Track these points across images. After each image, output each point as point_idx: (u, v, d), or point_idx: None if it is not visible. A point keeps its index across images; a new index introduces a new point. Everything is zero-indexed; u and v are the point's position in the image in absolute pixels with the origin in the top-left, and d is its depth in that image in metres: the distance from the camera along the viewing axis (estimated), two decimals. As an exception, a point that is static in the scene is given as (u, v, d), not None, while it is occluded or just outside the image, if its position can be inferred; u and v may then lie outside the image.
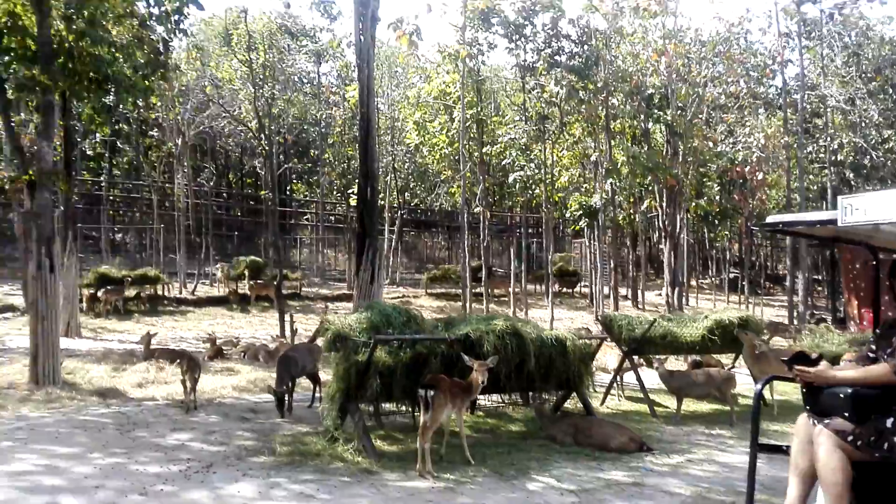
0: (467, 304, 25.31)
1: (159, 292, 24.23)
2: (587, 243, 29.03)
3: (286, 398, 9.74)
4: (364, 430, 7.86)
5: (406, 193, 39.61)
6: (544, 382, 9.29)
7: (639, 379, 11.19)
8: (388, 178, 35.29)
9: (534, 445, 8.64)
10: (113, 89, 12.96)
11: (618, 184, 23.91)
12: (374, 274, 15.91)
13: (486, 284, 25.70)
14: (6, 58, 11.42)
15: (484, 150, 22.91)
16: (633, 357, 11.45)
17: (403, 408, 9.31)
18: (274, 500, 6.23)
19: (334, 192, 40.48)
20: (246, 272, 25.46)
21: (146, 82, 13.98)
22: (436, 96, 24.08)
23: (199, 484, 6.53)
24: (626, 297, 27.73)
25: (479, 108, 23.66)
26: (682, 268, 22.15)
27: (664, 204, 22.37)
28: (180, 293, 25.40)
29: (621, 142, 22.81)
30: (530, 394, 9.98)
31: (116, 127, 35.57)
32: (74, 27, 11.90)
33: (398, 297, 27.62)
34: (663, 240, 22.11)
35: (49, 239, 11.42)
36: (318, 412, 9.61)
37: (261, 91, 25.16)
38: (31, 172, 11.27)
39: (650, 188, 24.44)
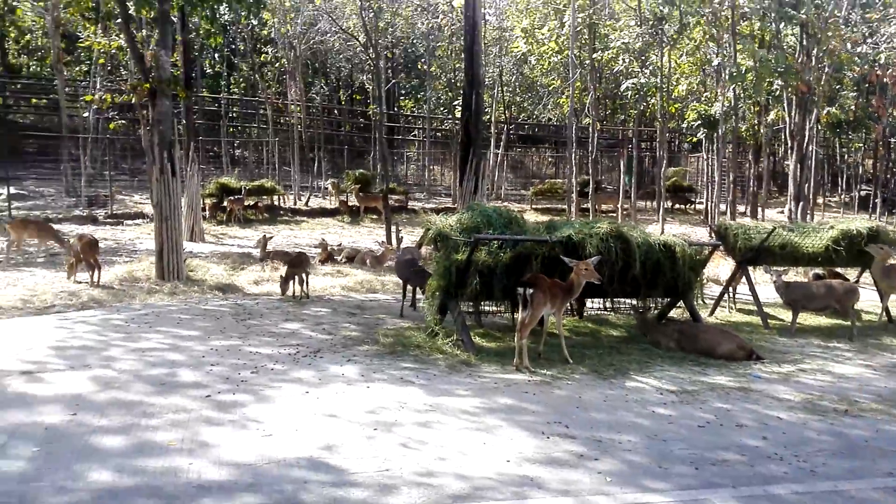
0: (572, 219, 24.85)
1: (275, 203, 25.29)
2: (705, 157, 27.50)
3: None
4: (463, 325, 7.99)
5: (513, 107, 38.76)
6: (650, 289, 9.06)
7: (752, 289, 10.65)
8: (495, 90, 34.59)
9: (635, 349, 8.50)
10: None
11: (742, 91, 22.26)
12: (478, 184, 15.85)
13: (593, 199, 25.04)
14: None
15: (594, 56, 21.75)
16: (748, 267, 10.88)
17: (503, 308, 9.38)
18: (374, 381, 6.50)
19: (441, 108, 40.26)
20: (354, 185, 26.00)
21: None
22: (545, 0, 22.99)
23: (307, 365, 6.91)
24: (744, 214, 26.31)
25: (590, 11, 22.42)
26: (809, 182, 20.57)
27: (793, 112, 20.65)
28: (294, 204, 26.43)
29: (748, 45, 21.01)
30: (636, 301, 9.78)
31: (233, 46, 36.73)
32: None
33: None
34: (789, 152, 20.52)
35: (170, 144, 12.05)
36: (420, 311, 9.88)
37: (368, 3, 25.00)
38: (151, 81, 11.81)
39: (778, 96, 22.60)
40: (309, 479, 4.42)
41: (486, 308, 9.34)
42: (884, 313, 10.79)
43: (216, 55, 39.54)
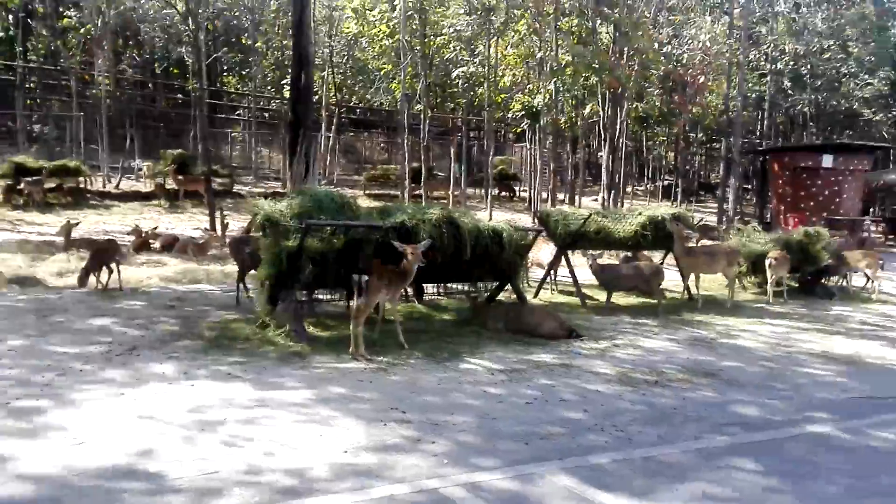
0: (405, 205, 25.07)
1: (81, 185, 23.02)
2: (528, 147, 28.86)
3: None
4: (296, 314, 7.75)
5: (344, 91, 38.22)
6: (480, 273, 9.32)
7: (572, 272, 11.35)
8: (325, 72, 33.90)
9: (466, 332, 8.73)
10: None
11: (562, 85, 23.60)
12: (309, 167, 15.30)
13: (425, 186, 25.41)
14: None
15: (426, 41, 21.97)
16: (567, 252, 11.56)
17: (336, 296, 9.22)
18: (198, 378, 6.12)
19: (268, 87, 38.72)
20: (172, 167, 24.28)
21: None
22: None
23: (121, 364, 6.35)
24: (563, 202, 27.98)
25: (420, -3, 22.60)
26: (620, 173, 22.31)
27: (606, 107, 22.25)
28: (104, 187, 24.19)
29: (566, 41, 22.29)
30: (468, 285, 10.04)
31: (30, 7, 32.77)
32: None
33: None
34: (603, 144, 22.11)
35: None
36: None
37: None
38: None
39: (593, 91, 24.21)
40: (125, 488, 4.04)
41: (320, 296, 9.14)
42: (685, 291, 11.96)
43: (10, 17, 35.09)
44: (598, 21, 22.44)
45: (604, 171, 21.45)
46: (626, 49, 21.19)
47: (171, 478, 4.20)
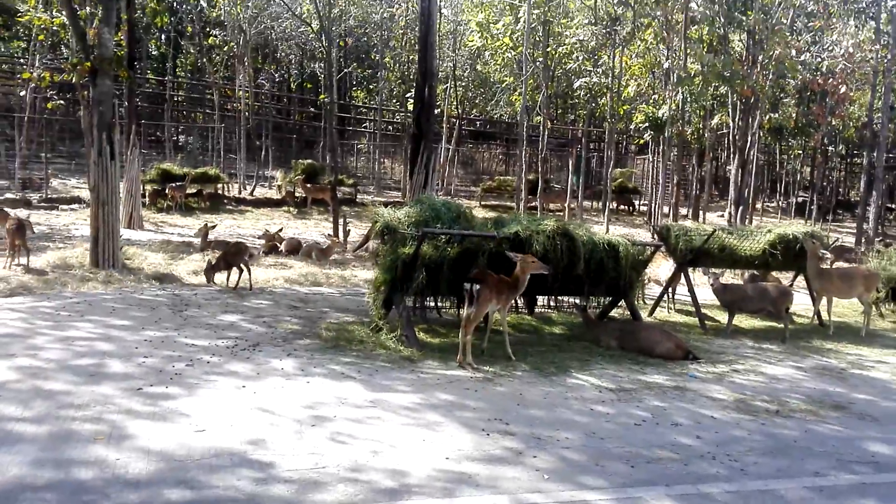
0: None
1: (219, 191, 24.69)
2: (650, 159, 28.03)
3: None
4: (408, 320, 7.92)
5: (465, 103, 38.78)
6: (594, 287, 9.15)
7: (691, 290, 10.89)
8: (448, 85, 34.54)
9: (576, 347, 8.59)
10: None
11: (689, 95, 22.77)
12: (428, 178, 15.77)
13: (542, 198, 25.26)
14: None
15: (548, 51, 21.85)
16: (687, 269, 11.11)
17: (448, 304, 9.35)
18: (314, 376, 6.38)
19: (393, 101, 39.96)
20: (301, 176, 25.56)
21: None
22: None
23: (245, 359, 6.74)
24: (686, 217, 26.94)
25: (545, 8, 22.53)
26: (749, 187, 21.17)
27: (737, 117, 21.22)
28: (239, 193, 25.86)
29: (696, 49, 21.47)
30: (579, 299, 9.88)
31: (180, 27, 35.66)
32: None
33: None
34: (732, 156, 21.07)
35: (109, 126, 11.61)
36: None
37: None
38: (92, 59, 11.33)
39: (723, 101, 23.17)
40: (237, 473, 4.30)
41: (431, 304, 9.30)
42: (815, 316, 11.16)
43: (162, 36, 38.35)
44: (731, 28, 21.47)
45: (732, 185, 20.44)
46: (760, 57, 20.13)
47: (280, 468, 4.42)
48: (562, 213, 26.38)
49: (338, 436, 5.04)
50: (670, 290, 11.68)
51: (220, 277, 10.80)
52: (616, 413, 6.18)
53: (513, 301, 8.03)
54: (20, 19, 20.71)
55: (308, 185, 25.40)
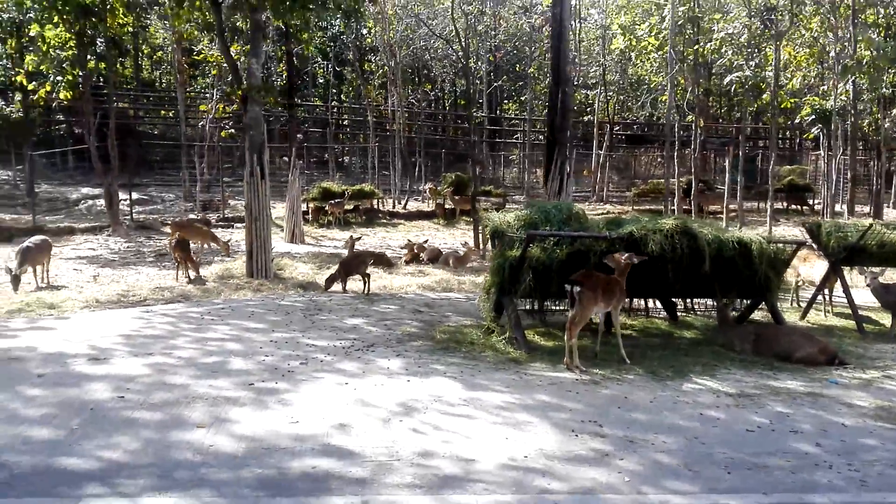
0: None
1: (375, 206, 26.00)
2: (822, 154, 25.65)
3: None
4: (517, 322, 7.89)
5: (617, 107, 37.85)
6: (725, 288, 8.60)
7: (846, 291, 9.85)
8: (598, 90, 33.92)
9: (706, 352, 8.08)
10: (312, 7, 13.65)
11: (862, 83, 20.62)
12: (563, 183, 15.56)
13: (698, 200, 23.99)
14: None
15: (696, 48, 20.76)
16: (842, 268, 10.07)
17: (567, 307, 9.18)
18: (416, 375, 6.56)
19: (543, 111, 39.92)
20: (450, 188, 26.26)
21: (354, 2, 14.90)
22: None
23: (356, 358, 7.08)
24: (867, 215, 24.33)
25: (692, 4, 21.46)
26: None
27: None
28: (393, 207, 27.05)
29: (865, 34, 19.40)
30: (714, 302, 9.34)
31: (342, 55, 38.15)
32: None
33: (602, 213, 26.94)
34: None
35: (260, 147, 12.68)
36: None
37: (467, 8, 25.25)
38: (242, 88, 12.50)
39: (903, 87, 20.76)
40: (319, 457, 4.56)
41: (552, 307, 9.20)
42: None
43: (328, 65, 41.16)
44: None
45: (916, 178, 18.16)
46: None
47: (358, 454, 4.64)
48: (722, 216, 24.88)
49: (420, 428, 5.17)
50: (826, 291, 10.65)
51: (345, 285, 11.44)
52: (728, 418, 5.78)
53: (623, 302, 7.73)
54: (197, 58, 23.25)
55: (456, 197, 26.06)
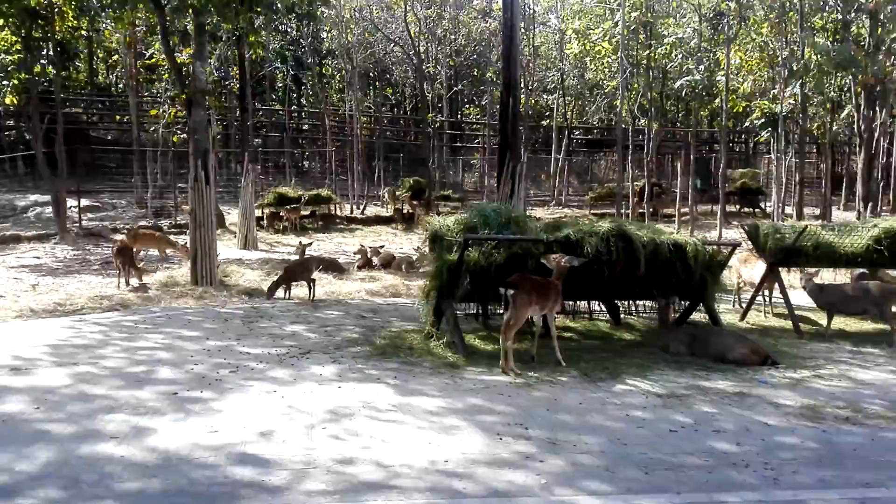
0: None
1: (332, 211, 25.82)
2: (772, 157, 26.24)
3: None
4: (455, 326, 7.89)
5: (576, 111, 38.25)
6: (662, 290, 8.72)
7: (783, 293, 10.07)
8: (556, 95, 34.25)
9: (643, 353, 8.19)
10: (259, 10, 13.53)
11: (810, 87, 21.15)
12: (515, 188, 15.65)
13: (653, 204, 24.36)
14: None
15: (646, 53, 21.09)
16: (779, 269, 10.30)
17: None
18: (349, 381, 6.52)
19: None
20: (407, 193, 26.24)
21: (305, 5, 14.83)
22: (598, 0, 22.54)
23: (289, 365, 7.00)
24: (816, 217, 24.94)
25: (644, 10, 21.82)
26: (878, 182, 19.23)
27: (862, 106, 19.41)
28: (351, 212, 26.92)
29: (811, 38, 19.93)
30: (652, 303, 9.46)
31: (300, 61, 37.88)
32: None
33: (558, 217, 27.20)
34: (858, 150, 19.29)
35: (205, 153, 12.51)
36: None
37: (425, 12, 25.30)
38: (186, 91, 12.32)
39: (847, 91, 21.33)
40: (230, 467, 4.49)
41: (494, 310, 9.22)
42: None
43: (287, 69, 40.84)
44: (851, 14, 19.79)
45: (859, 180, 18.71)
46: (885, 41, 18.40)
47: (277, 463, 4.57)
48: (674, 219, 25.29)
49: (344, 435, 5.12)
50: (765, 292, 10.87)
51: (289, 291, 11.38)
52: (654, 419, 5.85)
53: (560, 304, 7.77)
54: (149, 62, 22.88)
55: (414, 202, 26.03)
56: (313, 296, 11.07)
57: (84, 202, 26.26)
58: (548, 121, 37.71)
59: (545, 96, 37.96)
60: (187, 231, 22.17)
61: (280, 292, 11.24)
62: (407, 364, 7.27)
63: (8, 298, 10.70)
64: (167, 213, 24.49)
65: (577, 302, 10.15)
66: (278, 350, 7.58)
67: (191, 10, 12.23)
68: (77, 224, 21.73)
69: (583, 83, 34.16)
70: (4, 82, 19.94)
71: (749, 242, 10.79)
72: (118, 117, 36.98)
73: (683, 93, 23.83)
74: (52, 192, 21.41)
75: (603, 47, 22.00)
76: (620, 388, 6.74)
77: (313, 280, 11.17)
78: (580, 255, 7.75)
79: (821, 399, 6.53)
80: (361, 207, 27.70)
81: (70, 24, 20.22)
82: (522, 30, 32.90)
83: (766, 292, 10.99)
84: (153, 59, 20.10)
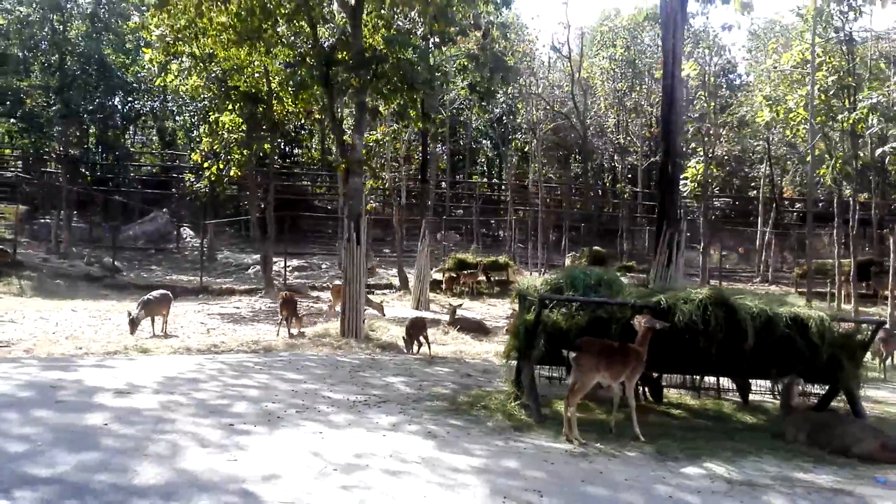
0: (840, 305, 21.55)
1: (509, 277, 26.18)
2: None
3: None
4: (531, 388, 7.64)
5: (788, 182, 35.27)
6: (781, 370, 7.75)
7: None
8: (764, 166, 31.98)
9: (752, 438, 7.26)
10: (422, 90, 14.53)
11: None
12: (672, 256, 14.82)
13: (860, 283, 21.46)
14: (336, 68, 13.88)
15: (840, 117, 18.96)
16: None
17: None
18: (400, 432, 6.57)
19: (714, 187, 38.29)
20: (586, 261, 25.86)
21: (489, 87, 15.81)
22: (794, 64, 20.90)
23: (356, 412, 7.21)
24: None
25: (843, 72, 19.83)
26: None
27: None
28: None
29: None
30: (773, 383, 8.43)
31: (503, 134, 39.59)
32: (382, 35, 13.90)
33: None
34: None
35: (358, 216, 13.54)
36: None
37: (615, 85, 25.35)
38: (345, 161, 13.56)
39: None
40: (224, 496, 4.76)
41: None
42: None
43: (487, 143, 42.75)
44: None
45: None
46: None
47: (262, 499, 4.78)
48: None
49: (350, 482, 5.16)
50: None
51: (409, 347, 11.89)
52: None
53: (636, 372, 7.19)
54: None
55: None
56: (427, 351, 11.45)
57: (295, 262, 29.52)
58: (754, 191, 35.24)
59: (753, 166, 35.58)
60: (374, 291, 24.09)
61: (415, 348, 11.75)
62: (472, 422, 7.17)
63: (180, 338, 12.31)
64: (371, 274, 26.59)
65: (704, 378, 9.34)
66: (359, 398, 7.85)
67: (352, 90, 13.55)
68: (283, 281, 24.30)
69: (791, 152, 31.51)
70: (229, 157, 23.28)
71: None
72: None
73: (887, 161, 21.01)
74: (261, 252, 24.36)
75: (798, 113, 20.23)
76: (691, 470, 6.05)
77: (426, 336, 11.53)
78: (670, 322, 7.21)
79: (945, 512, 5.36)
80: (540, 275, 27.76)
81: (289, 107, 23.18)
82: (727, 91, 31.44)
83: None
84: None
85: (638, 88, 30.66)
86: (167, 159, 42.15)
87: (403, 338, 11.98)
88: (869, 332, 7.96)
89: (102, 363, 9.09)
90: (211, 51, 17.16)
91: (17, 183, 32.49)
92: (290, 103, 23.03)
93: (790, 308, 7.71)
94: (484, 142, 42.53)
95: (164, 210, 36.13)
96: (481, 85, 19.58)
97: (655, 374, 8.80)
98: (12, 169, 36.38)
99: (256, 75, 20.58)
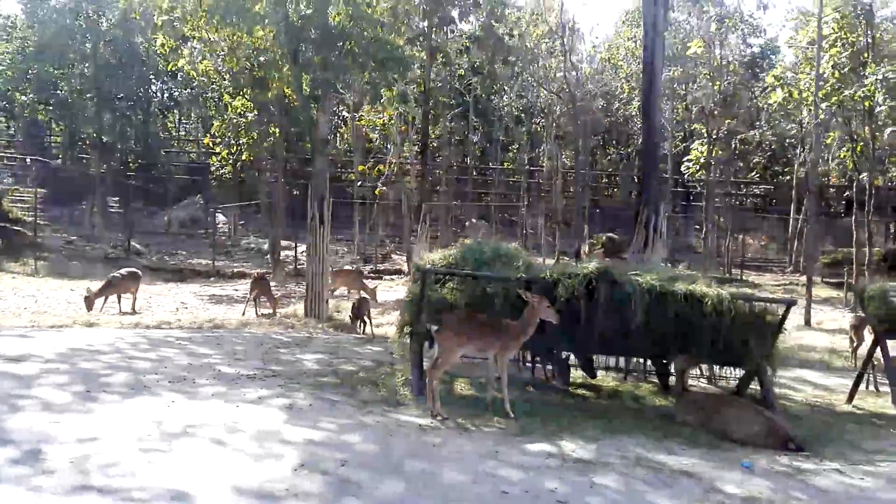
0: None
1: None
2: None
3: None
4: (415, 362, 7.50)
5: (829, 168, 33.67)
6: (681, 347, 7.38)
7: (887, 364, 7.86)
8: (798, 150, 30.65)
9: (631, 418, 7.04)
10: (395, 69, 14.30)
11: None
12: (649, 238, 14.36)
13: (881, 272, 20.37)
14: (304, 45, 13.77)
15: (847, 93, 17.79)
16: (885, 339, 8.05)
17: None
18: (258, 404, 6.54)
19: (753, 174, 36.82)
20: (600, 249, 25.34)
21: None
22: (810, 41, 19.80)
23: (234, 385, 7.18)
24: None
25: (861, 47, 18.65)
26: None
27: None
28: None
29: None
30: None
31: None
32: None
33: (784, 284, 24.35)
34: None
35: (322, 197, 13.53)
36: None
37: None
38: (310, 141, 13.59)
39: None
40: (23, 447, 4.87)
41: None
42: None
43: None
44: None
45: None
46: None
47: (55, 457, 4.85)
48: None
49: (155, 446, 5.21)
50: (873, 367, 8.59)
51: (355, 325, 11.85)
52: (528, 483, 4.98)
53: (511, 349, 6.95)
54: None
55: (606, 259, 25.02)
56: (367, 330, 11.42)
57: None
58: (788, 177, 33.80)
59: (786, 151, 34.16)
60: (384, 277, 24.15)
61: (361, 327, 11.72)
62: (348, 396, 7.06)
63: (143, 315, 12.55)
64: (376, 261, 26.72)
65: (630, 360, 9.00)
66: (253, 372, 7.82)
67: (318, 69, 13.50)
68: (294, 265, 24.58)
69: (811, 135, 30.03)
70: (241, 141, 23.55)
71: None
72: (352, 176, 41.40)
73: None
74: (269, 237, 24.75)
75: (810, 94, 19.14)
76: (537, 447, 5.83)
77: (369, 316, 11.48)
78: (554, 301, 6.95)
79: (801, 498, 5.03)
80: (555, 261, 27.35)
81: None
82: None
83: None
84: (360, 122, 22.54)
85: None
86: (202, 147, 43.11)
87: (349, 316, 11.97)
88: (781, 313, 7.50)
89: (26, 334, 9.38)
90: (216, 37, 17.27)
91: (50, 169, 33.85)
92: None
93: (686, 284, 7.31)
94: (520, 128, 41.91)
95: (199, 195, 36.97)
96: (481, 67, 19.30)
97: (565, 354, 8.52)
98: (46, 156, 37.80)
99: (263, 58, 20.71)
